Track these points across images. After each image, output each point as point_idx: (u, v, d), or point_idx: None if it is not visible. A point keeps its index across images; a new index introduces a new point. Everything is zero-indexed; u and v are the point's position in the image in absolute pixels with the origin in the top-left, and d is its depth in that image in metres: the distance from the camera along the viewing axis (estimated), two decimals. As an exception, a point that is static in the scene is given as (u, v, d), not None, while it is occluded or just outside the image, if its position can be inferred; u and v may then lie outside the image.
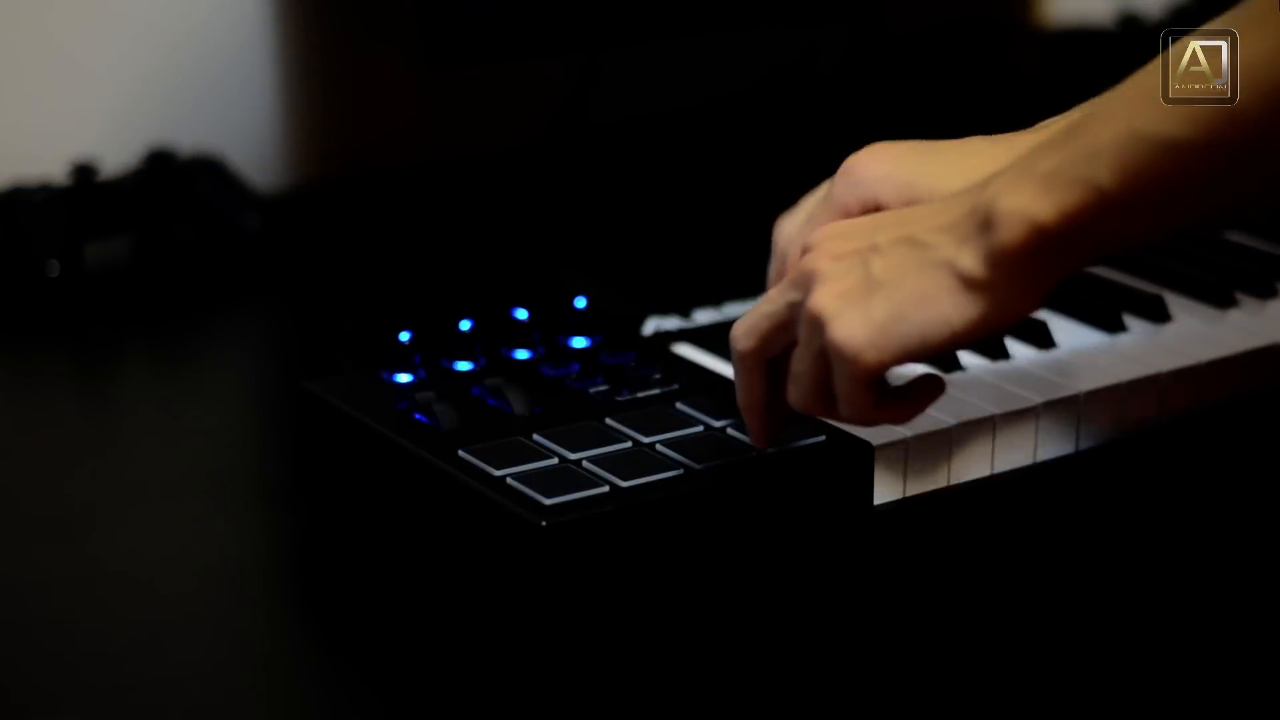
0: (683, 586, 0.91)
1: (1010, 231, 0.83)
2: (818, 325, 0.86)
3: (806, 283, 0.88)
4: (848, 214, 0.95)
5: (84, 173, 1.39)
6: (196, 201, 1.40)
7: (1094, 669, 0.90)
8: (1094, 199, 0.82)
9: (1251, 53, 0.81)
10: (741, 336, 0.91)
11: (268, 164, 1.52)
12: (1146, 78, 0.84)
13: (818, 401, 0.89)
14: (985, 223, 0.83)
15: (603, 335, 1.08)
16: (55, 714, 0.87)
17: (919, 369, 0.95)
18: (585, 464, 0.93)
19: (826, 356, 0.86)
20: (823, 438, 0.95)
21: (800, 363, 0.88)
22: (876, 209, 0.95)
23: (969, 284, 0.84)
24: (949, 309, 0.84)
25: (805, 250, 0.89)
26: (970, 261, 0.84)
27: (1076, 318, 1.11)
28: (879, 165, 0.96)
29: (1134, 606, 0.95)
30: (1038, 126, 0.96)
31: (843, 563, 0.95)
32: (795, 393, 0.89)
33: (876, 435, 0.96)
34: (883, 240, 0.87)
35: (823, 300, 0.86)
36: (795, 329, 0.88)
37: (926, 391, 0.90)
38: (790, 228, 0.98)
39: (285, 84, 1.53)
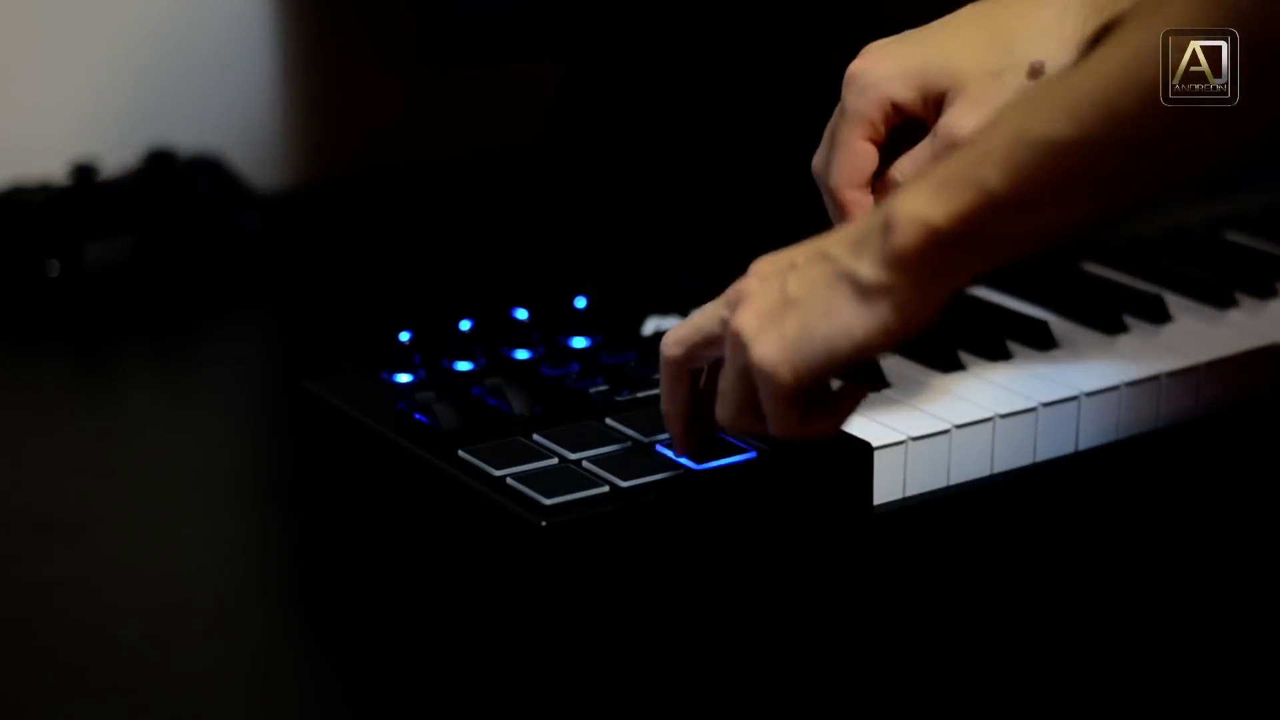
0: (682, 587, 0.91)
1: (904, 235, 0.83)
2: (739, 345, 0.87)
3: (735, 304, 0.88)
4: (869, 122, 0.97)
5: (84, 173, 1.39)
6: (196, 201, 1.40)
7: (1094, 669, 0.90)
8: (983, 200, 0.83)
9: (1131, 48, 0.82)
10: (670, 344, 0.92)
11: (268, 164, 1.52)
12: (1041, 84, 0.85)
13: (745, 418, 0.89)
14: (884, 228, 0.84)
15: (603, 335, 1.08)
16: (55, 713, 0.87)
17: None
18: (585, 464, 0.93)
19: (749, 376, 0.87)
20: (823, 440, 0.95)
21: (726, 380, 0.89)
22: (893, 108, 0.96)
23: (866, 291, 0.84)
24: (850, 319, 0.85)
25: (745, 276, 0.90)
26: (867, 269, 0.84)
27: (1076, 318, 1.11)
28: (882, 64, 0.97)
29: (1134, 607, 0.95)
30: None
31: (842, 563, 0.95)
32: (722, 410, 0.89)
33: (876, 435, 0.96)
34: (800, 258, 0.88)
35: (743, 320, 0.87)
36: (721, 345, 0.89)
37: (850, 399, 0.90)
38: (820, 159, 0.99)
39: (285, 84, 1.53)
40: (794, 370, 0.85)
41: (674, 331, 0.92)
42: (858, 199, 0.98)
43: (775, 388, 0.86)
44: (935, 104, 0.97)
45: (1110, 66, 0.82)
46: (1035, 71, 0.96)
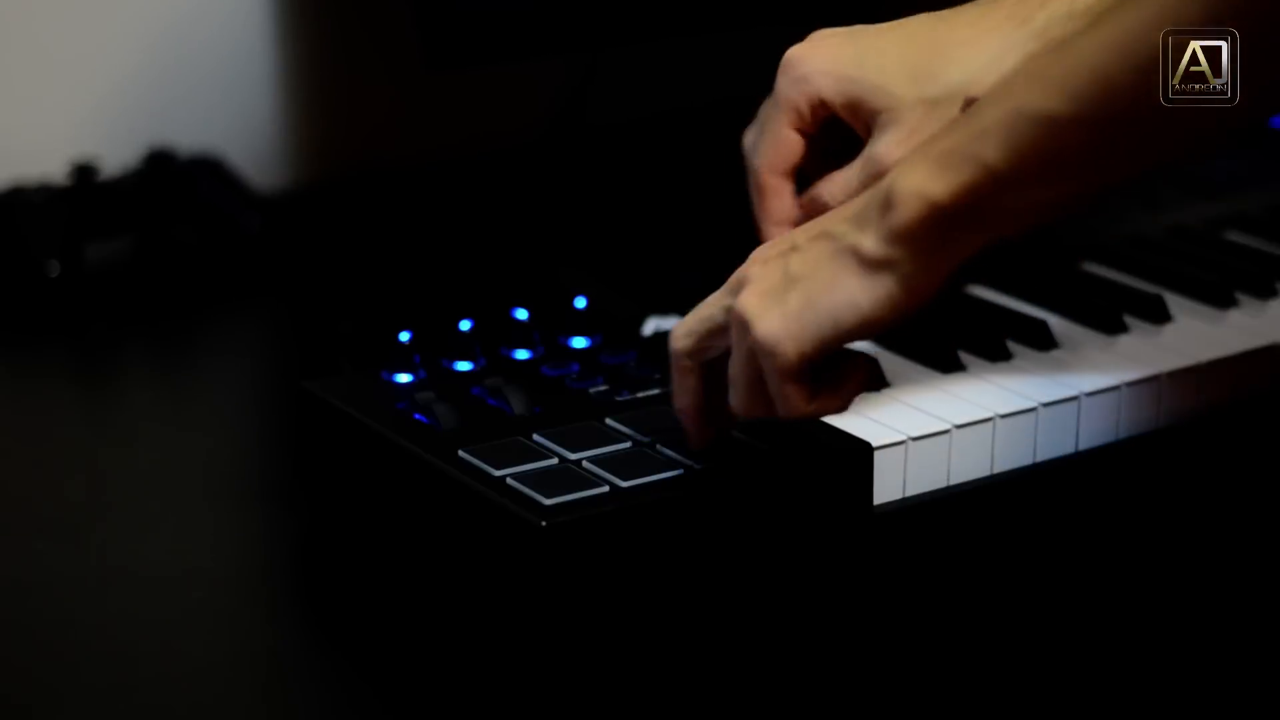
0: (683, 587, 0.91)
1: (906, 210, 0.85)
2: (743, 326, 0.88)
3: (737, 289, 0.89)
4: (796, 112, 0.98)
5: (84, 173, 1.39)
6: (196, 201, 1.40)
7: (1094, 669, 0.90)
8: (983, 176, 0.84)
9: (1125, 25, 0.82)
10: (679, 336, 0.92)
11: (268, 164, 1.52)
12: (1038, 59, 0.86)
13: (757, 403, 0.89)
14: (885, 204, 0.86)
15: (603, 335, 1.08)
16: (56, 712, 0.87)
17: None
18: (585, 464, 0.93)
19: (755, 357, 0.87)
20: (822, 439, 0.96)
21: (735, 366, 0.89)
22: (822, 105, 0.97)
23: (870, 264, 0.86)
24: (855, 291, 0.86)
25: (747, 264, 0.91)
26: (870, 243, 0.86)
27: (1076, 318, 1.11)
28: (819, 59, 0.98)
29: (1134, 607, 0.95)
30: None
31: (843, 563, 0.95)
32: (734, 396, 0.90)
33: (876, 435, 0.96)
34: (801, 239, 0.89)
35: (745, 301, 0.88)
36: (729, 334, 0.89)
37: (855, 372, 0.90)
38: (750, 138, 1.01)
39: (285, 84, 1.53)
40: (797, 343, 0.86)
41: (681, 324, 0.92)
42: (777, 186, 0.99)
43: (778, 363, 0.86)
44: (864, 118, 0.97)
45: (1105, 43, 0.82)
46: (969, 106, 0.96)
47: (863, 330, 0.87)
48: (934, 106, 0.96)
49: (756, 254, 0.90)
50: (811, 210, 0.98)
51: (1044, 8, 0.98)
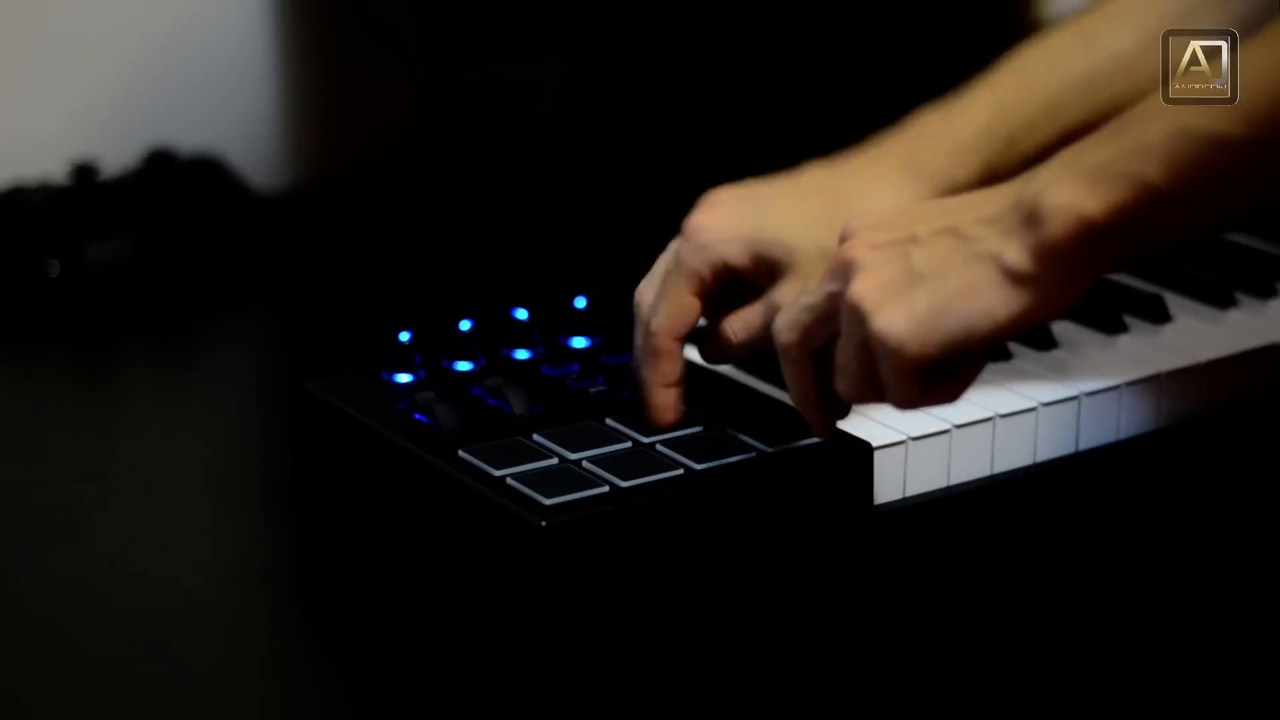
0: (683, 587, 0.91)
1: (1057, 226, 0.83)
2: (859, 316, 0.86)
3: (845, 273, 0.87)
4: (699, 279, 0.97)
5: (84, 173, 1.39)
6: (196, 201, 1.40)
7: (1094, 669, 0.90)
8: (1142, 194, 0.82)
9: None
10: (784, 330, 0.91)
11: (268, 164, 1.52)
12: None
13: (865, 390, 0.88)
14: (1031, 217, 0.84)
15: (603, 335, 1.08)
16: (56, 713, 0.87)
17: None
18: (585, 464, 0.93)
19: (869, 347, 0.86)
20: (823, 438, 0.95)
21: (844, 354, 0.88)
22: (725, 268, 0.97)
23: (1014, 277, 0.84)
24: (993, 302, 0.84)
25: (842, 239, 0.89)
26: (1016, 255, 0.84)
27: (1076, 318, 1.11)
28: (720, 226, 0.98)
29: (1134, 607, 0.95)
30: (872, 143, 1.00)
31: (843, 563, 0.95)
32: (843, 383, 0.88)
33: (876, 435, 0.96)
34: (923, 231, 0.87)
35: (863, 291, 0.86)
36: (837, 320, 0.88)
37: (971, 369, 0.89)
38: (649, 295, 0.99)
39: (285, 84, 1.53)
40: (922, 344, 0.84)
41: (783, 316, 0.91)
42: (673, 349, 0.98)
43: (900, 361, 0.85)
44: (767, 270, 0.98)
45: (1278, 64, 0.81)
46: None
47: (993, 339, 0.85)
48: (829, 256, 0.97)
49: (861, 236, 0.88)
50: (713, 345, 0.99)
51: (928, 147, 1.00)
